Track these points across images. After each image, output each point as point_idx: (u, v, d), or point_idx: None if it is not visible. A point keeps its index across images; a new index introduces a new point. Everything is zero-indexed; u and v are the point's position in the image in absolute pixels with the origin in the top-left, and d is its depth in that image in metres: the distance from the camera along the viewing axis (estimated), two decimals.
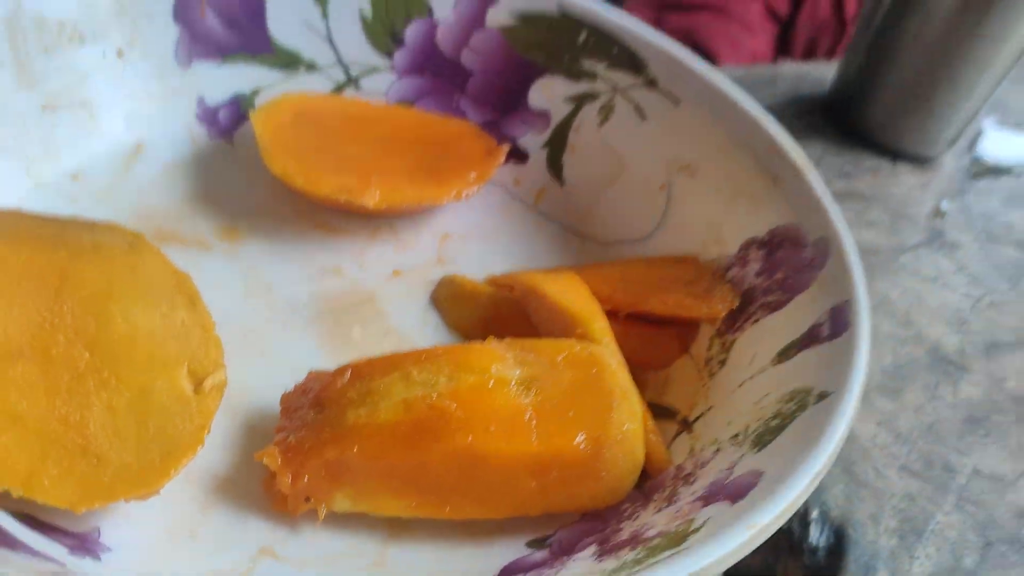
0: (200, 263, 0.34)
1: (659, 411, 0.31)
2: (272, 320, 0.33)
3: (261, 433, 0.29)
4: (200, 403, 0.27)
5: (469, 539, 0.27)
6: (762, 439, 0.25)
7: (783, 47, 1.13)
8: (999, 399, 0.37)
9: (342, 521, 0.27)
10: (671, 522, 0.24)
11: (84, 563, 0.23)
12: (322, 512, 0.26)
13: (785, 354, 0.28)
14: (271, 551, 0.26)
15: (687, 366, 0.32)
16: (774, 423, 0.26)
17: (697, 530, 0.22)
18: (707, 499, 0.24)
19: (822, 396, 0.25)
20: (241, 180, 0.38)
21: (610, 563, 0.22)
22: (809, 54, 1.10)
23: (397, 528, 0.27)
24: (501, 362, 0.28)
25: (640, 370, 0.32)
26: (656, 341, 0.33)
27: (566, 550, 0.26)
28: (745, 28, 1.08)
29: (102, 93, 0.36)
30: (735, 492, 0.23)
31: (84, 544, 0.24)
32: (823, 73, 0.57)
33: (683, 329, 0.33)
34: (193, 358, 0.28)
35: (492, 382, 0.27)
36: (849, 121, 0.52)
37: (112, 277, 0.29)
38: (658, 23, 1.16)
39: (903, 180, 0.49)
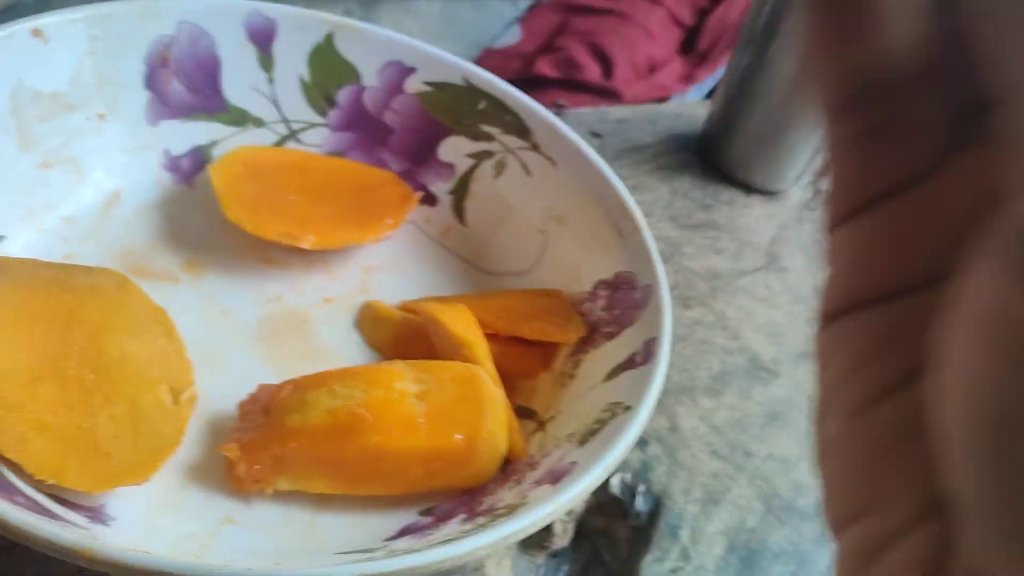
0: (170, 294, 0.43)
1: (524, 412, 0.41)
2: (229, 340, 0.42)
3: (223, 432, 0.39)
4: (177, 412, 0.36)
5: (377, 509, 0.37)
6: (584, 439, 0.36)
7: (687, 50, 1.23)
8: (797, 398, 0.49)
9: (284, 496, 0.37)
10: (514, 497, 0.34)
11: (97, 528, 0.32)
12: (269, 490, 0.36)
13: (612, 374, 0.39)
14: (231, 519, 0.36)
15: (548, 378, 0.42)
16: (594, 427, 0.36)
17: (526, 505, 0.32)
18: (539, 482, 0.34)
19: (627, 408, 0.35)
20: (201, 220, 0.47)
21: (468, 526, 0.33)
22: (708, 57, 1.20)
23: (324, 502, 0.37)
24: (403, 379, 0.38)
25: (513, 379, 0.42)
26: (526, 357, 0.43)
27: (445, 517, 0.36)
28: (646, 34, 1.18)
29: (87, 150, 0.45)
30: (556, 477, 0.33)
31: (96, 515, 0.33)
32: (699, 113, 0.67)
33: (546, 348, 0.43)
34: (171, 377, 0.37)
35: (396, 395, 0.37)
36: (713, 158, 0.63)
37: (107, 313, 0.38)
38: (564, 25, 1.25)
39: (752, 211, 0.60)
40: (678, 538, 0.41)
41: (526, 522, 0.30)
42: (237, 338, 0.42)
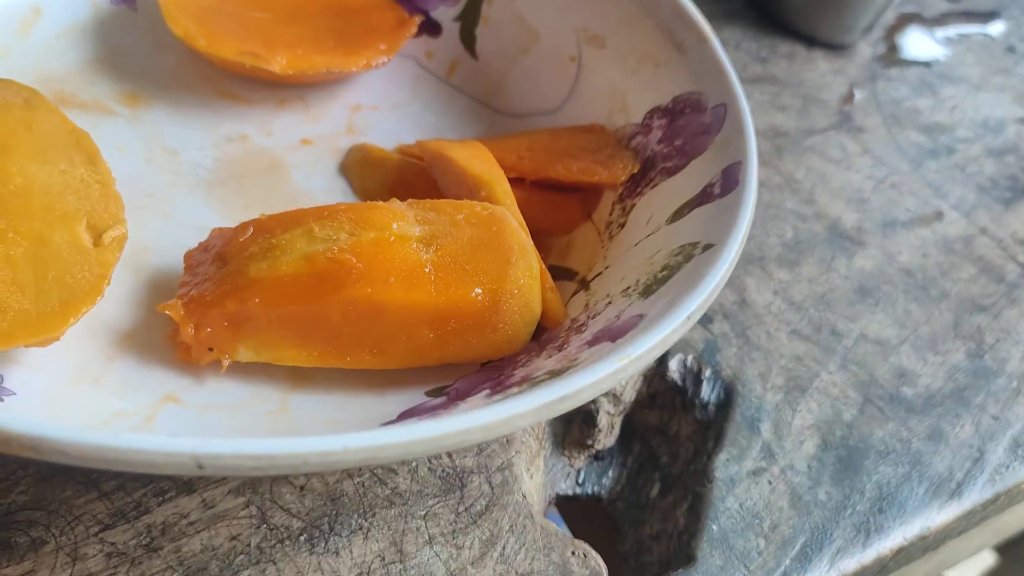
0: (102, 127, 0.33)
1: (560, 272, 0.32)
2: (176, 184, 0.33)
3: (165, 290, 0.29)
4: (100, 255, 0.27)
5: (369, 388, 0.28)
6: (649, 288, 0.26)
7: None
8: (890, 271, 0.39)
9: (245, 370, 0.28)
10: (558, 363, 0.25)
11: None
12: (225, 362, 0.27)
13: (679, 214, 0.29)
14: (175, 397, 0.27)
15: (588, 231, 0.33)
16: (662, 274, 0.27)
17: (577, 366, 0.23)
18: (593, 342, 0.25)
19: (707, 247, 0.26)
20: (144, 46, 0.37)
21: (497, 398, 0.24)
22: None
23: (299, 378, 0.28)
24: (402, 220, 0.28)
25: (544, 236, 0.33)
26: (560, 208, 0.34)
27: (461, 395, 0.27)
28: None
29: None
30: (616, 333, 0.24)
31: None
32: None
33: (586, 196, 0.34)
34: (92, 212, 0.28)
35: (393, 238, 0.28)
36: (767, 8, 0.53)
37: (6, 132, 0.29)
38: None
39: (817, 66, 0.50)
40: (758, 432, 0.32)
41: (582, 383, 0.21)
42: (186, 182, 0.33)
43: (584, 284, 0.31)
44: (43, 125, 0.29)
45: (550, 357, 0.26)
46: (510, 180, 0.32)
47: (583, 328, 0.27)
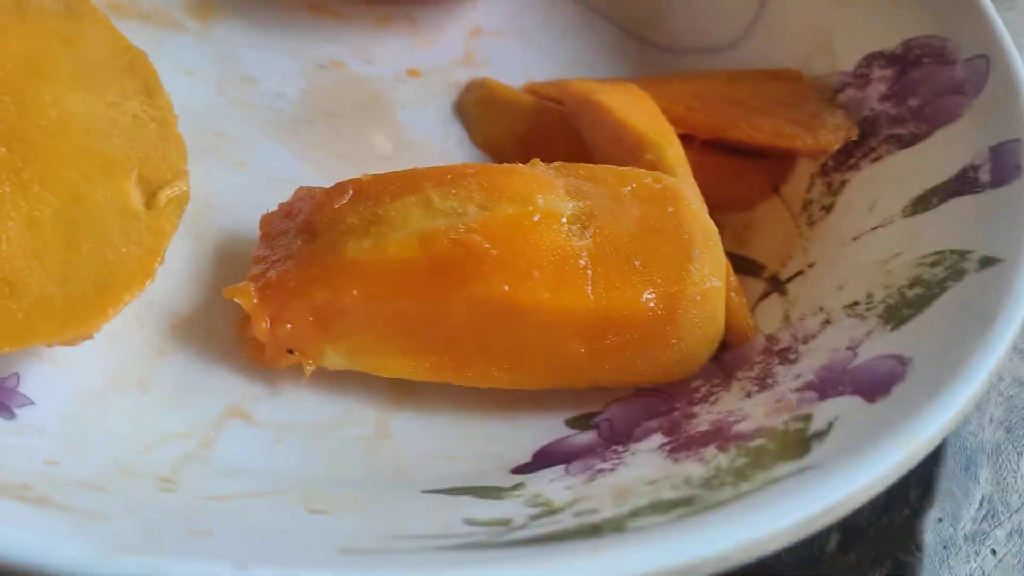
0: (163, 45, 0.27)
1: (739, 264, 0.24)
2: (252, 122, 0.26)
3: (234, 264, 0.23)
4: (153, 221, 0.20)
5: (494, 412, 0.21)
6: (897, 314, 0.19)
7: None
8: None
9: (334, 381, 0.21)
10: (773, 415, 0.18)
11: None
12: (309, 368, 0.20)
13: (923, 202, 0.22)
14: (241, 411, 0.20)
15: (777, 210, 0.25)
16: (913, 293, 0.19)
17: (822, 436, 0.16)
18: (823, 389, 0.18)
19: (988, 262, 0.18)
20: None
21: (693, 467, 0.17)
22: None
23: (404, 393, 0.21)
24: (550, 191, 0.21)
25: (716, 212, 0.25)
26: (739, 176, 0.26)
27: (620, 436, 0.20)
28: None
29: None
30: (870, 384, 0.17)
31: None
32: None
33: (773, 163, 0.26)
34: (146, 161, 0.21)
35: (537, 216, 0.21)
36: None
37: (41, 49, 0.22)
38: None
39: None
40: (976, 481, 0.25)
41: (857, 480, 0.14)
42: (265, 118, 0.26)
43: (778, 285, 0.23)
44: (88, 41, 0.23)
45: (749, 397, 0.19)
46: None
47: (791, 356, 0.20)
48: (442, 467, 0.20)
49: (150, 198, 0.21)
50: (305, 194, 0.22)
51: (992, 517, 0.25)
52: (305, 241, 0.21)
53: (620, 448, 0.19)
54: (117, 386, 0.20)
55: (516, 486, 0.18)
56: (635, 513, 0.15)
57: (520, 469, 0.20)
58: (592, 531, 0.14)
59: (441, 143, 0.27)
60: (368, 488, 0.18)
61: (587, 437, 0.20)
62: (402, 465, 0.20)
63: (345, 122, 0.27)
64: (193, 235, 0.23)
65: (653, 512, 0.14)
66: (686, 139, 0.25)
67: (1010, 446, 0.26)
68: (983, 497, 0.25)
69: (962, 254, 0.19)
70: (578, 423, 0.21)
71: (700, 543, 0.13)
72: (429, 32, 0.30)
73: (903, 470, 0.14)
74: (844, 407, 0.17)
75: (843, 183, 0.24)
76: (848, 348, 0.19)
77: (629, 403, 0.21)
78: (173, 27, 0.28)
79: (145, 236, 0.20)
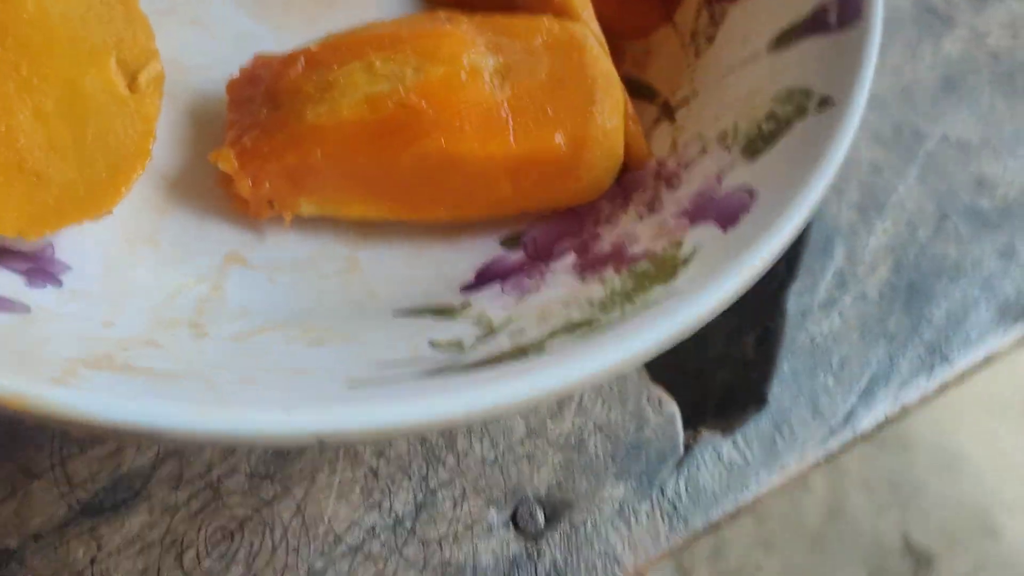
0: None
1: (637, 88, 0.29)
2: None
3: (208, 124, 0.26)
4: (139, 103, 0.24)
5: (440, 239, 0.26)
6: (754, 146, 0.24)
7: None
8: (978, 56, 0.36)
9: (310, 225, 0.26)
10: (656, 238, 0.23)
11: (46, 294, 0.22)
12: (288, 217, 0.25)
13: (783, 40, 0.26)
14: (239, 256, 0.25)
15: (670, 38, 0.29)
16: (768, 127, 0.24)
17: (687, 261, 0.21)
18: (694, 215, 0.23)
19: (824, 102, 0.23)
20: None
21: (594, 288, 0.22)
22: None
23: (367, 231, 0.26)
24: (473, 50, 0.25)
25: (616, 38, 0.29)
26: (636, 4, 0.30)
27: (543, 253, 0.25)
28: None
29: None
30: (726, 214, 0.22)
31: (40, 266, 0.23)
32: None
33: None
34: (121, 44, 0.24)
35: (464, 74, 0.25)
36: None
37: None
38: None
39: None
40: (832, 257, 0.31)
41: (706, 303, 0.20)
42: None
43: (668, 111, 0.28)
44: None
45: (641, 220, 0.24)
46: None
47: (675, 181, 0.25)
48: (405, 289, 0.25)
49: (131, 80, 0.24)
50: (263, 62, 0.26)
51: (842, 286, 0.31)
52: (270, 109, 0.25)
53: (543, 266, 0.25)
54: (133, 245, 0.24)
55: (464, 305, 0.24)
56: (552, 334, 0.20)
57: (467, 288, 0.25)
58: (521, 353, 0.20)
59: None
60: (349, 316, 0.24)
61: (517, 256, 0.26)
62: (373, 292, 0.25)
63: None
64: (168, 101, 0.26)
65: (564, 332, 0.20)
66: None
67: (862, 226, 0.32)
68: (836, 270, 0.32)
69: (807, 93, 0.24)
70: (509, 243, 0.26)
71: (595, 360, 0.18)
72: None
73: (745, 289, 0.20)
74: (705, 235, 0.22)
75: (724, 13, 0.28)
76: (716, 177, 0.24)
77: (548, 224, 0.26)
78: None
79: (136, 120, 0.24)
